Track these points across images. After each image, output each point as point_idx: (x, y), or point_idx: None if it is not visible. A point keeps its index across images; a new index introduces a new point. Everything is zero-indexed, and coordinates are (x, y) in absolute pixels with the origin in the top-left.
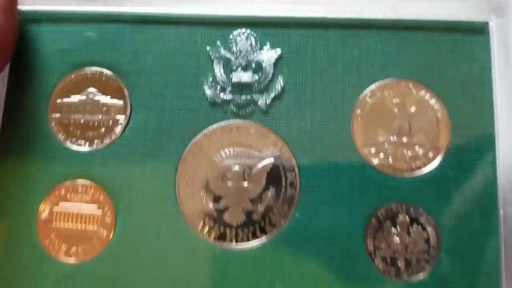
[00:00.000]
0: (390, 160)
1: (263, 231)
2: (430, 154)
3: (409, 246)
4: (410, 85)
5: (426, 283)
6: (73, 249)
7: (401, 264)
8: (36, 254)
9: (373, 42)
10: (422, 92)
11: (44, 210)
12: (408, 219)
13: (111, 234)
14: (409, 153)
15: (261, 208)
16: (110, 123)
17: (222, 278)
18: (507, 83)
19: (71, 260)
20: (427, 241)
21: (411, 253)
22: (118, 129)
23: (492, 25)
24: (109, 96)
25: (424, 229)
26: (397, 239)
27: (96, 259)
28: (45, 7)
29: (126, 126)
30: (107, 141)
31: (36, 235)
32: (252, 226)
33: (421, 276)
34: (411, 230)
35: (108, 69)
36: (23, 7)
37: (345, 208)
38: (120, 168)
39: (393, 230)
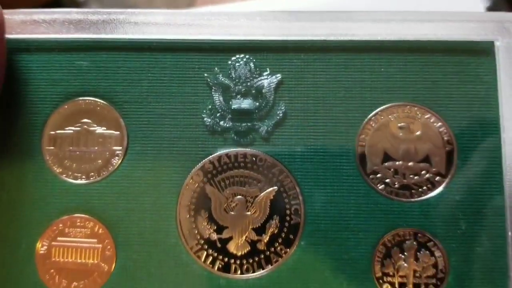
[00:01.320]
0: (396, 185)
1: (268, 261)
2: (437, 178)
3: (417, 271)
4: (415, 108)
5: None
6: (74, 284)
7: None
8: None
9: (376, 65)
10: (427, 115)
11: (42, 246)
12: (415, 245)
13: (112, 268)
14: (415, 178)
15: (265, 237)
16: (107, 154)
17: None
18: None
19: None
20: (435, 266)
21: (419, 278)
22: (115, 161)
23: (498, 45)
24: (105, 127)
25: (432, 254)
26: (405, 265)
27: None
28: (34, 35)
29: (123, 158)
30: (104, 173)
31: (35, 271)
32: (257, 256)
33: None
34: (419, 255)
35: (102, 98)
36: (10, 35)
37: (351, 235)
38: (119, 200)
39: (401, 255)
